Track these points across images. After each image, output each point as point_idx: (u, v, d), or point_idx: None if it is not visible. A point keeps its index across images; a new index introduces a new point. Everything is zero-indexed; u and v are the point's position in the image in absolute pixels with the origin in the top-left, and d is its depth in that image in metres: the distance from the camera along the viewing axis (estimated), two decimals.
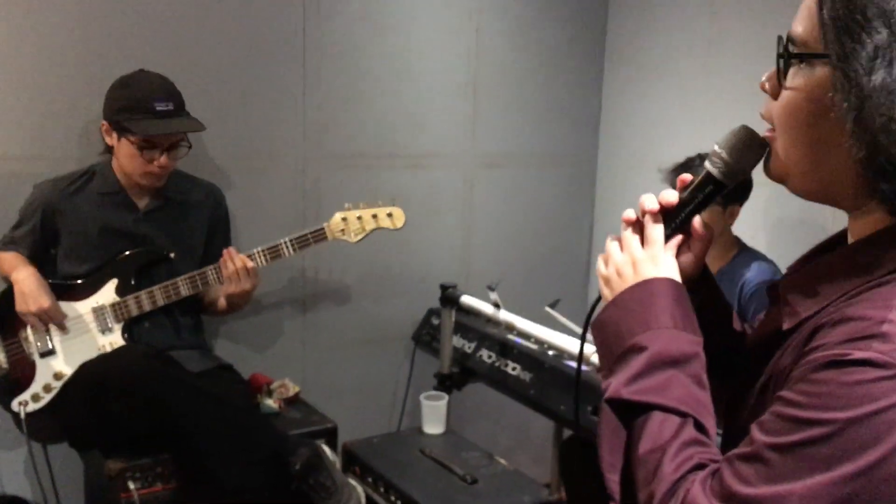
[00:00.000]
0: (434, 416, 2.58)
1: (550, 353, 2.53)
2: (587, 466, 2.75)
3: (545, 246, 3.42)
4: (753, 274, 2.39)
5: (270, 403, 2.61)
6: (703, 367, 0.86)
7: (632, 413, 0.83)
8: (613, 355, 0.89)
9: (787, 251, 2.58)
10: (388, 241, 2.77)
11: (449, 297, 2.77)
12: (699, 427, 0.82)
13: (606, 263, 0.98)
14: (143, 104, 2.21)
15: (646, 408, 0.83)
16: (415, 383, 3.05)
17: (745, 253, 2.47)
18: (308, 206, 2.86)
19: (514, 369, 2.58)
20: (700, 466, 0.79)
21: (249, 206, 2.73)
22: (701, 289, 1.03)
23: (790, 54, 0.81)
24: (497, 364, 2.65)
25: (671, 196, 0.96)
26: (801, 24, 0.81)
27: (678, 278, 0.93)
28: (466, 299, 2.69)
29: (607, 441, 0.85)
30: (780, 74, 0.83)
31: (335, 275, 2.94)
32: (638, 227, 0.97)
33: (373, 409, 3.10)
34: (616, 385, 0.85)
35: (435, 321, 3.03)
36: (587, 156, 3.45)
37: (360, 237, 2.41)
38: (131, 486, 2.13)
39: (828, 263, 0.85)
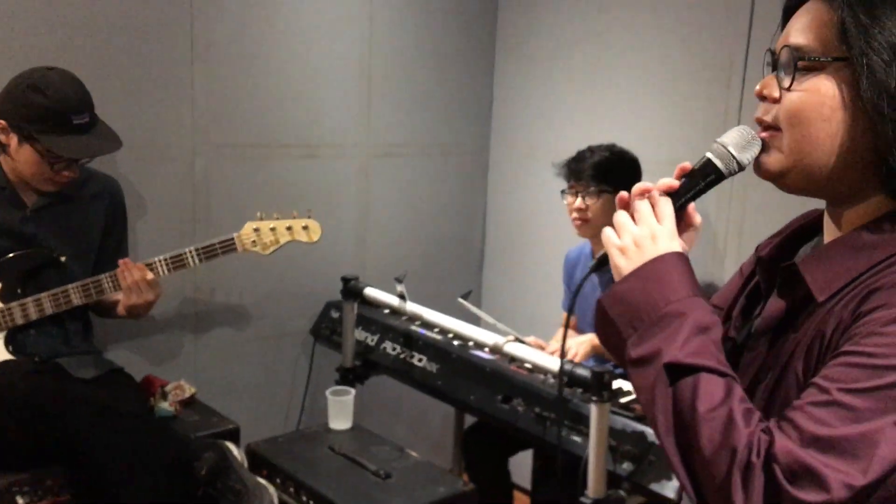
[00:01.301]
0: (341, 411, 2.53)
1: (455, 342, 2.54)
2: (491, 453, 2.80)
3: (441, 235, 3.42)
4: None
5: (166, 406, 2.48)
6: (720, 335, 0.92)
7: (678, 375, 0.87)
8: (644, 322, 0.91)
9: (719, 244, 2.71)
10: None
11: (351, 290, 2.73)
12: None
13: (620, 233, 0.99)
14: (60, 118, 2.04)
15: (695, 370, 0.86)
16: (315, 379, 2.99)
17: None
18: (198, 200, 2.74)
19: (419, 360, 2.57)
20: (762, 419, 0.84)
21: (135, 201, 2.58)
22: None
23: (810, 59, 0.90)
24: (402, 356, 2.63)
25: (671, 181, 1.01)
26: (806, 35, 0.91)
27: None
28: (370, 291, 2.66)
29: (662, 404, 0.87)
30: (781, 81, 0.93)
31: (228, 268, 2.83)
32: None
33: (273, 407, 3.02)
34: (672, 350, 0.87)
35: (334, 314, 2.97)
36: (480, 146, 3.48)
37: (272, 250, 2.31)
38: (20, 501, 1.98)
39: (842, 243, 0.92)
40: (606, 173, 2.46)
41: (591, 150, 2.53)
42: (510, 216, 3.48)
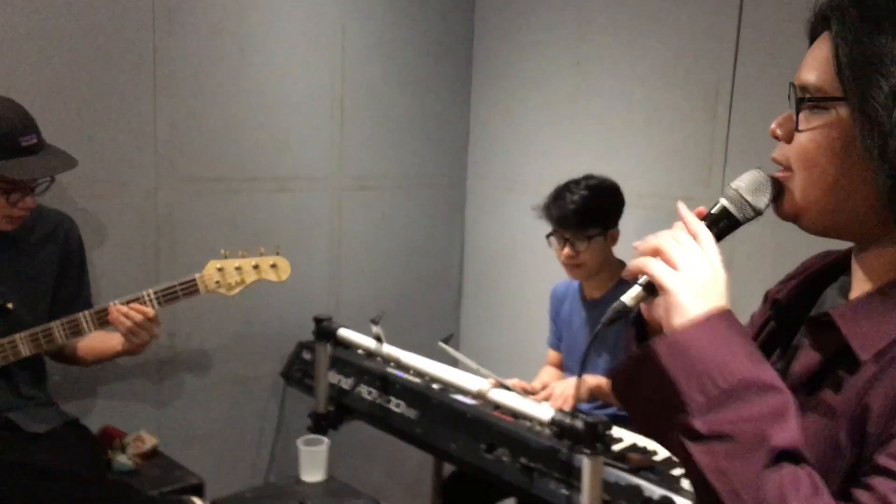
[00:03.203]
0: (313, 462, 2.38)
1: (435, 386, 2.40)
2: (474, 501, 2.65)
3: (417, 271, 3.30)
4: None
5: (125, 460, 2.32)
6: None
7: (776, 461, 0.74)
8: (719, 388, 0.76)
9: None
10: None
11: (324, 331, 2.58)
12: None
13: (675, 262, 0.84)
14: (8, 141, 1.89)
15: (797, 458, 0.75)
16: (285, 425, 2.83)
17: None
18: (162, 237, 2.59)
19: (397, 406, 2.42)
20: None
21: (93, 240, 2.42)
22: None
23: (810, 100, 0.85)
24: (378, 400, 2.49)
25: (699, 210, 0.94)
26: (813, 72, 0.86)
27: None
28: (344, 332, 2.51)
29: (749, 491, 0.73)
30: (794, 118, 0.88)
31: (191, 308, 2.67)
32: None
33: (241, 457, 2.85)
34: (784, 435, 0.74)
35: (306, 356, 2.82)
36: (456, 177, 3.37)
37: (238, 291, 2.16)
38: None
39: (882, 295, 0.85)
40: (592, 215, 2.35)
41: (569, 189, 2.40)
42: (489, 250, 3.36)
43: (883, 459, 0.74)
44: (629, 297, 0.89)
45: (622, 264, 2.49)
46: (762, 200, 0.91)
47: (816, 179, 0.85)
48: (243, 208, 2.76)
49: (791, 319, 0.96)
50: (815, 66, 0.86)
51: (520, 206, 3.20)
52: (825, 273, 0.98)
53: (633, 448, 2.06)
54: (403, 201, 3.21)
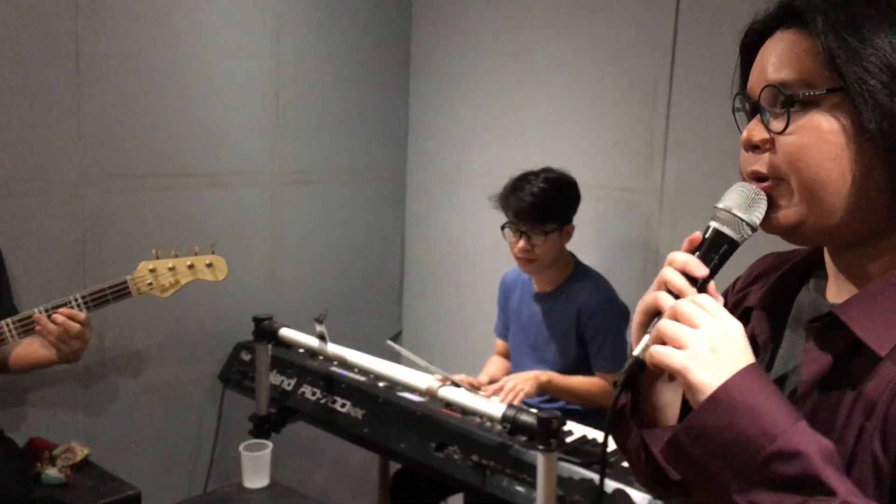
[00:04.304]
0: (256, 468, 2.30)
1: (381, 384, 2.35)
2: (422, 498, 2.61)
3: (357, 266, 3.23)
4: (591, 295, 2.37)
5: (55, 473, 2.19)
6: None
7: None
8: (749, 466, 0.73)
9: (614, 263, 2.62)
10: None
11: (264, 330, 2.49)
12: None
13: (683, 343, 0.79)
14: None
15: None
16: (225, 429, 2.74)
17: (580, 271, 2.45)
18: (88, 238, 2.46)
19: (343, 406, 2.36)
20: None
21: (15, 240, 2.29)
22: None
23: (803, 97, 0.80)
24: (323, 401, 2.42)
25: (701, 268, 0.86)
26: (788, 68, 0.82)
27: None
28: (286, 332, 2.43)
29: None
30: (770, 124, 0.83)
31: (120, 309, 2.55)
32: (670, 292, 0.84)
33: (179, 464, 2.74)
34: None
35: (245, 356, 2.73)
36: (396, 171, 3.32)
37: (172, 292, 2.06)
38: None
39: (886, 284, 0.81)
40: (551, 210, 2.33)
41: (528, 180, 2.37)
42: (430, 244, 3.32)
43: None
44: (641, 349, 0.85)
45: (573, 259, 2.48)
46: (757, 216, 0.85)
47: (820, 180, 0.80)
48: (175, 205, 2.65)
49: (774, 321, 0.92)
50: (789, 62, 0.82)
51: (461, 199, 3.17)
52: (792, 274, 0.95)
53: (584, 441, 2.05)
54: (343, 196, 3.14)
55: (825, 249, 0.90)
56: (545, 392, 2.33)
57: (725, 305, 0.94)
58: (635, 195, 2.61)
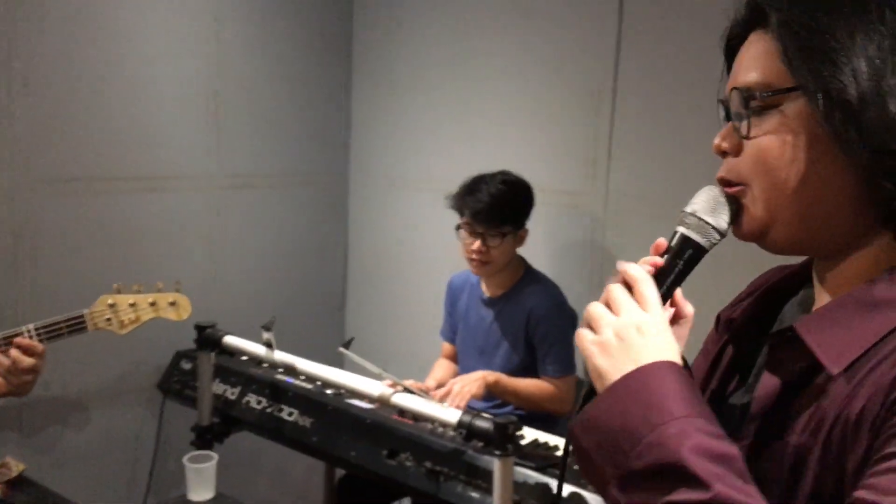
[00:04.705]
0: (201, 480, 2.23)
1: (329, 391, 2.32)
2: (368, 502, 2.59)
3: (299, 271, 3.19)
4: (541, 300, 2.39)
5: None
6: (737, 453, 0.72)
7: None
8: (628, 456, 0.70)
9: (560, 267, 2.65)
10: (121, 275, 2.36)
11: (208, 339, 2.43)
12: None
13: (597, 328, 0.78)
14: None
15: None
16: (167, 440, 2.66)
17: (529, 275, 2.47)
18: (19, 247, 2.36)
19: (290, 414, 2.33)
20: None
21: None
22: None
23: (763, 97, 0.77)
24: (269, 409, 2.38)
25: (654, 258, 0.84)
26: (753, 71, 0.79)
27: (679, 352, 0.78)
28: (230, 340, 2.38)
29: None
30: (739, 129, 0.80)
31: (54, 315, 2.45)
32: (625, 286, 0.81)
33: (119, 478, 2.65)
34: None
35: (185, 365, 2.67)
36: (339, 174, 3.29)
37: (131, 328, 1.99)
38: None
39: (851, 301, 0.77)
40: (508, 212, 2.34)
41: (485, 181, 2.37)
42: (373, 248, 3.30)
43: (866, 492, 0.67)
44: None
45: (524, 263, 2.50)
46: (723, 220, 0.82)
47: (780, 184, 0.77)
48: (112, 211, 2.57)
49: (749, 340, 0.89)
50: (755, 65, 0.79)
51: (405, 203, 3.16)
52: (782, 288, 0.91)
53: (536, 444, 2.07)
54: (284, 200, 3.09)
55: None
56: (492, 393, 2.35)
57: (718, 318, 0.94)
58: (581, 199, 2.65)
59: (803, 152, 0.75)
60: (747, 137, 0.79)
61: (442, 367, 2.67)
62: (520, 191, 2.39)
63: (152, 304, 2.01)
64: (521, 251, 2.50)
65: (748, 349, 0.89)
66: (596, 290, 2.61)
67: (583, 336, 0.79)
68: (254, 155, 2.96)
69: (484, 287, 2.52)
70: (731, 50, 0.86)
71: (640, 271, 0.79)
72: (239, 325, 2.61)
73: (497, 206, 2.32)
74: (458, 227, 2.41)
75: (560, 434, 2.13)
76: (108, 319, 1.96)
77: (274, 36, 2.96)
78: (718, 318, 0.94)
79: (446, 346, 2.70)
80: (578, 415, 0.77)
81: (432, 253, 2.98)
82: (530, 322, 2.39)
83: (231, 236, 2.93)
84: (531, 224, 2.46)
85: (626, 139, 2.53)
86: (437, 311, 2.72)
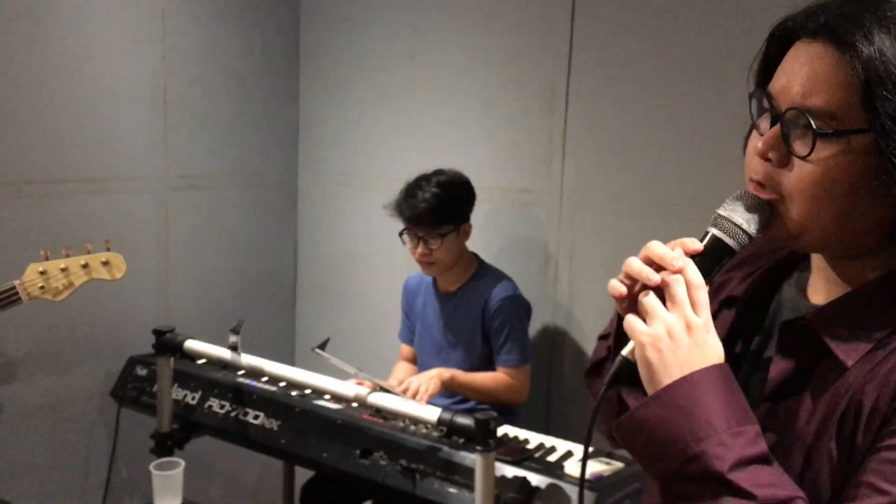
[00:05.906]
0: (168, 487, 2.18)
1: (294, 393, 2.30)
2: None
3: (249, 272, 3.15)
4: (495, 291, 2.43)
5: None
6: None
7: None
8: (674, 464, 0.76)
9: (515, 264, 2.68)
10: None
11: (167, 344, 2.38)
12: None
13: (650, 320, 0.81)
14: None
15: None
16: (123, 448, 2.59)
17: (483, 269, 2.50)
18: None
19: (255, 417, 2.30)
20: None
21: None
22: None
23: (834, 134, 0.77)
24: (233, 413, 2.34)
25: (695, 243, 0.86)
26: (821, 94, 0.78)
27: (722, 353, 0.82)
28: (192, 344, 2.33)
29: None
30: (793, 146, 0.80)
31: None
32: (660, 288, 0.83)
33: (72, 488, 2.57)
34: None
35: (140, 371, 2.59)
36: (288, 174, 3.25)
37: (67, 294, 1.93)
38: None
39: (865, 296, 0.83)
40: (445, 212, 2.37)
41: (419, 186, 2.40)
42: (324, 248, 3.28)
43: (872, 476, 0.74)
44: (629, 350, 0.84)
45: (477, 258, 2.53)
46: (755, 226, 0.85)
47: (826, 208, 0.79)
48: (56, 214, 2.49)
49: (754, 314, 0.94)
50: (822, 87, 0.78)
51: (355, 202, 3.15)
52: (778, 267, 0.96)
53: (507, 438, 2.11)
54: (233, 200, 3.04)
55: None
56: (449, 389, 2.37)
57: (724, 290, 0.98)
58: (534, 196, 2.69)
59: (854, 187, 0.78)
60: (805, 158, 0.79)
61: (402, 369, 2.68)
62: (455, 188, 2.43)
63: (84, 266, 1.97)
64: (477, 249, 2.54)
65: (748, 327, 0.94)
66: (551, 287, 2.67)
67: (633, 323, 0.82)
68: (201, 155, 2.91)
69: (439, 284, 2.54)
70: (778, 38, 0.85)
71: (699, 278, 0.82)
72: (191, 327, 2.56)
73: (431, 209, 2.35)
74: (401, 233, 2.44)
75: (522, 426, 2.18)
76: (42, 287, 1.91)
77: (222, 35, 2.90)
78: (717, 288, 0.98)
79: (405, 349, 2.71)
80: (625, 415, 0.81)
81: (384, 251, 2.98)
82: (486, 313, 2.42)
83: (180, 238, 2.86)
84: (484, 221, 2.50)
85: (580, 136, 2.59)
86: (391, 309, 2.73)
